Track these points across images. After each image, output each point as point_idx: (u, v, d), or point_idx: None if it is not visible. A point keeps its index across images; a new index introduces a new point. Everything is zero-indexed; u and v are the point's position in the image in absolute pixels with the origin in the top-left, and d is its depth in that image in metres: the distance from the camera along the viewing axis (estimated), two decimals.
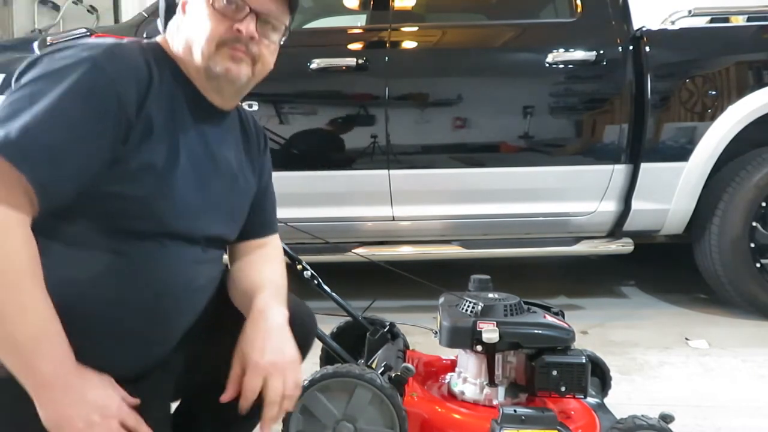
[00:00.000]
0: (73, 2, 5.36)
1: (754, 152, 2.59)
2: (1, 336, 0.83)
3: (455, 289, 1.46)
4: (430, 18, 2.97)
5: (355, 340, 1.57)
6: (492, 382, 1.34)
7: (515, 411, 1.20)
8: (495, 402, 1.32)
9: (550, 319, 1.34)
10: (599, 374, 1.53)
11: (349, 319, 1.59)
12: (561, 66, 2.53)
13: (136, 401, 0.94)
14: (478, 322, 1.29)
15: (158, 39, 1.11)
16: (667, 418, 1.20)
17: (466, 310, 1.34)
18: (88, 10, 5.35)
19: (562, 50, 2.53)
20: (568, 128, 2.60)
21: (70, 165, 0.89)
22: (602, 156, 2.57)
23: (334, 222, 2.61)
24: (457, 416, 1.29)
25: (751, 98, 2.49)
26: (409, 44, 2.72)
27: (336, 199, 2.60)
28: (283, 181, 2.53)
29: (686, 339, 2.38)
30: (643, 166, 2.54)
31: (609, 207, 2.61)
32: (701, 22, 2.77)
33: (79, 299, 0.91)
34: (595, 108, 2.59)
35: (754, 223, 2.55)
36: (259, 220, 1.23)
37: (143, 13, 2.68)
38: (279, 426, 1.24)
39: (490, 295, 1.38)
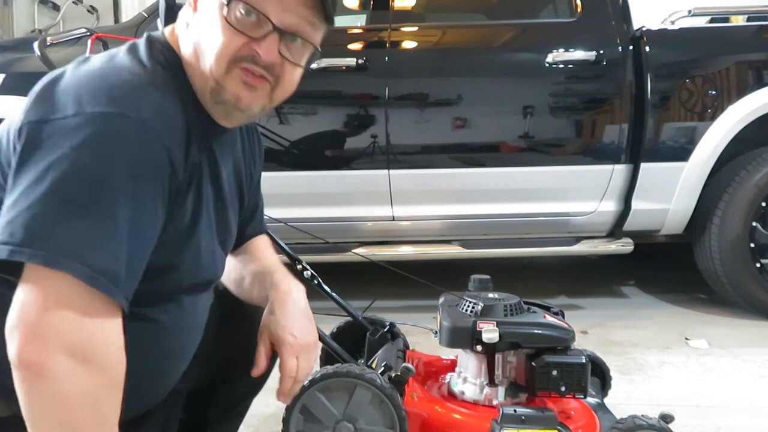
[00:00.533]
0: (73, 2, 5.36)
1: (754, 152, 2.58)
2: None
3: (455, 289, 1.46)
4: (430, 18, 2.97)
5: (355, 340, 1.57)
6: (492, 382, 1.34)
7: (515, 411, 1.20)
8: (495, 402, 1.32)
9: (550, 319, 1.34)
10: (599, 374, 1.53)
11: (349, 319, 1.59)
12: (561, 66, 2.53)
13: None
14: (478, 322, 1.29)
15: (166, 32, 0.96)
16: (667, 418, 1.20)
17: (466, 310, 1.34)
18: (88, 10, 5.35)
19: (562, 50, 2.53)
20: (568, 128, 2.60)
21: (143, 262, 0.80)
22: (602, 156, 2.57)
23: (334, 222, 2.61)
24: (457, 416, 1.29)
25: (751, 98, 2.49)
26: (409, 44, 2.72)
27: (336, 199, 2.60)
28: (283, 181, 2.58)
29: (686, 339, 2.38)
30: (643, 166, 2.54)
31: (609, 207, 2.61)
32: (701, 22, 2.77)
33: None
34: (595, 108, 2.59)
35: (754, 223, 2.55)
36: (252, 226, 1.22)
37: (143, 13, 2.69)
38: (279, 426, 1.24)
39: (490, 295, 1.38)
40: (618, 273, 3.53)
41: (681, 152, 2.53)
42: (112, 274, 0.75)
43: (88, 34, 2.29)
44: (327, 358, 1.56)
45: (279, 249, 1.47)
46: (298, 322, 1.04)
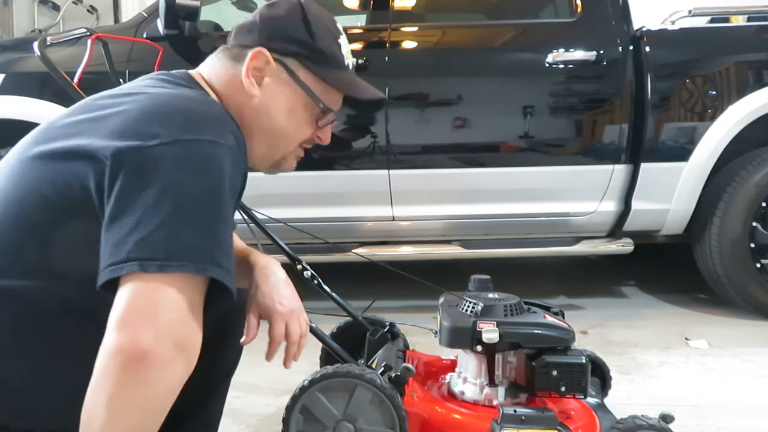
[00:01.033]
0: (73, 2, 5.36)
1: (754, 152, 2.58)
2: None
3: (455, 289, 1.46)
4: (430, 18, 2.97)
5: (355, 340, 1.57)
6: (492, 382, 1.34)
7: (515, 411, 1.20)
8: (495, 402, 1.32)
9: (550, 319, 1.34)
10: (599, 374, 1.53)
11: (349, 319, 1.59)
12: (561, 66, 2.53)
13: None
14: (478, 322, 1.29)
15: (206, 75, 1.07)
16: (667, 418, 1.20)
17: (466, 310, 1.34)
18: (88, 10, 5.36)
19: (562, 50, 2.53)
20: (568, 128, 2.60)
21: None
22: (602, 156, 2.57)
23: (334, 222, 2.61)
24: (457, 416, 1.29)
25: (751, 98, 2.49)
26: (409, 44, 2.72)
27: (336, 199, 2.60)
28: (283, 181, 2.57)
29: (686, 339, 2.38)
30: (643, 166, 2.54)
31: (609, 207, 2.61)
32: (701, 22, 2.77)
33: None
34: (595, 108, 2.59)
35: (754, 223, 2.55)
36: None
37: (143, 13, 2.68)
38: (279, 426, 1.24)
39: (490, 295, 1.38)
40: (618, 273, 3.53)
41: (681, 152, 2.53)
42: (232, 272, 0.86)
43: (88, 34, 2.29)
44: (327, 358, 1.56)
45: (279, 249, 1.47)
46: (283, 291, 1.12)
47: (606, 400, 1.44)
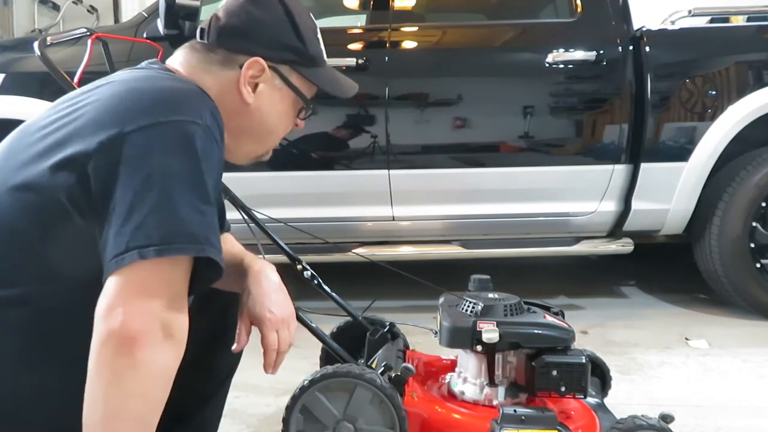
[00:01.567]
0: (73, 2, 5.36)
1: (754, 152, 2.58)
2: None
3: (455, 289, 1.46)
4: (430, 18, 2.97)
5: (355, 340, 1.57)
6: (492, 382, 1.34)
7: (515, 411, 1.20)
8: (495, 402, 1.32)
9: (550, 319, 1.34)
10: (599, 374, 1.53)
11: (349, 319, 1.59)
12: (561, 66, 2.53)
13: None
14: (478, 322, 1.29)
15: (181, 69, 1.04)
16: (667, 418, 1.20)
17: (466, 310, 1.34)
18: (88, 10, 5.36)
19: (562, 50, 2.53)
20: (568, 128, 2.60)
21: None
22: (602, 156, 2.57)
23: (334, 222, 2.61)
24: (457, 416, 1.29)
25: (751, 98, 2.49)
26: (409, 44, 2.72)
27: (336, 199, 2.60)
28: (283, 181, 2.57)
29: (686, 339, 2.38)
30: (643, 166, 2.54)
31: (609, 207, 2.61)
32: (701, 22, 2.77)
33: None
34: (595, 108, 2.59)
35: (754, 223, 2.55)
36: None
37: (143, 13, 2.68)
38: (279, 426, 1.24)
39: (490, 295, 1.38)
40: (618, 273, 3.53)
41: (681, 152, 2.53)
42: (219, 248, 0.86)
43: (88, 34, 2.28)
44: (327, 358, 1.56)
45: (279, 249, 1.47)
46: (274, 298, 1.11)
47: (606, 400, 1.44)
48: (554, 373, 1.26)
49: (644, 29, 2.56)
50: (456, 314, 1.35)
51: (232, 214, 1.36)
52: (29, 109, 2.45)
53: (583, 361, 1.27)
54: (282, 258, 1.46)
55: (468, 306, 1.35)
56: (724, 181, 2.57)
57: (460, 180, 2.60)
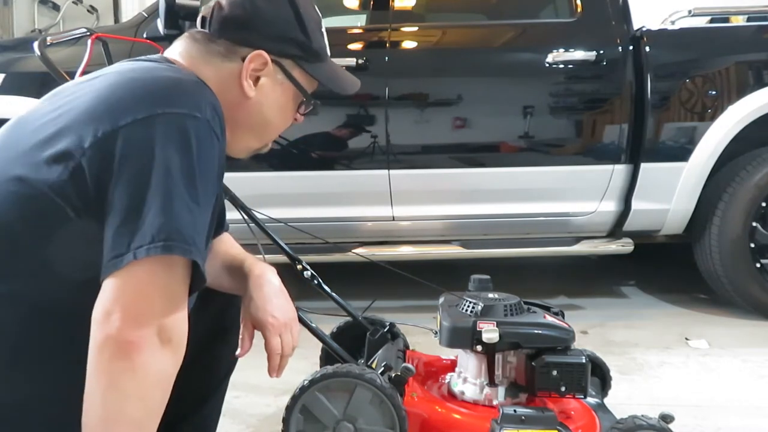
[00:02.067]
0: (73, 2, 5.36)
1: (754, 152, 2.58)
2: None
3: (455, 289, 1.46)
4: (430, 18, 2.97)
5: (355, 340, 1.57)
6: (492, 382, 1.34)
7: (515, 411, 1.20)
8: (495, 402, 1.32)
9: (550, 319, 1.34)
10: (599, 374, 1.53)
11: (349, 319, 1.59)
12: (561, 66, 2.53)
13: None
14: (478, 322, 1.29)
15: (181, 59, 1.00)
16: (667, 418, 1.20)
17: (466, 310, 1.34)
18: (88, 10, 5.36)
19: (562, 50, 2.53)
20: (568, 128, 2.60)
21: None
22: (602, 156, 2.57)
23: (334, 222, 2.61)
24: (457, 416, 1.29)
25: (751, 98, 2.49)
26: (409, 44, 2.72)
27: (336, 199, 2.60)
28: (283, 181, 2.57)
29: (686, 339, 2.38)
30: (643, 166, 2.54)
31: (609, 207, 2.61)
32: (701, 22, 2.77)
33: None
34: (595, 108, 2.59)
35: (754, 223, 2.55)
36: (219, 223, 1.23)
37: (143, 13, 2.68)
38: (279, 426, 1.24)
39: (490, 295, 1.38)
40: (618, 273, 3.53)
41: (681, 152, 2.53)
42: (204, 253, 0.85)
43: (88, 34, 2.28)
44: (327, 358, 1.56)
45: (279, 249, 1.47)
46: (276, 302, 1.11)
47: (606, 400, 1.44)
48: (554, 373, 1.26)
49: (644, 29, 2.55)
50: (456, 314, 1.35)
51: (232, 214, 1.36)
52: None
53: (583, 361, 1.27)
54: (282, 258, 1.46)
55: (468, 306, 1.35)
56: (724, 181, 2.57)
57: (460, 180, 2.60)
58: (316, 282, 1.47)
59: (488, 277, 1.47)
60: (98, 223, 0.82)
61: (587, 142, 2.59)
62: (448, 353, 1.50)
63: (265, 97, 1.03)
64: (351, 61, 2.51)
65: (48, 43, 2.18)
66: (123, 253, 0.78)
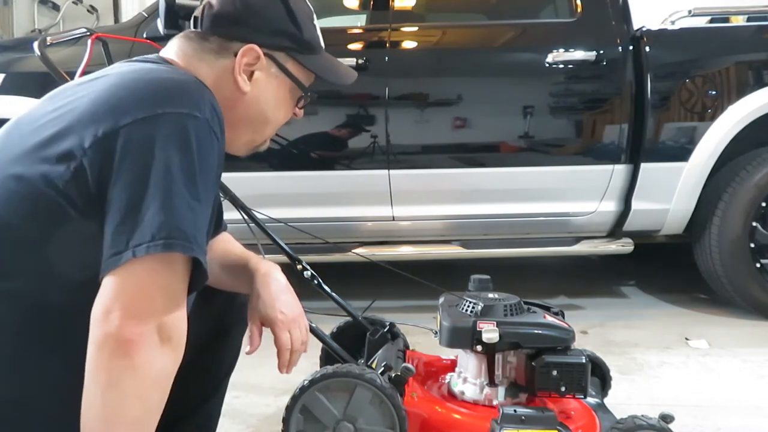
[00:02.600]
0: (73, 2, 5.36)
1: (754, 152, 2.58)
2: None
3: (455, 289, 1.46)
4: (430, 18, 2.97)
5: (355, 340, 1.57)
6: (492, 382, 1.34)
7: (515, 411, 1.20)
8: (495, 402, 1.32)
9: (550, 319, 1.34)
10: (599, 374, 1.53)
11: (349, 319, 1.59)
12: (561, 66, 2.53)
13: None
14: (478, 322, 1.29)
15: (177, 59, 1.01)
16: (667, 418, 1.20)
17: (466, 310, 1.34)
18: (88, 10, 5.35)
19: (562, 50, 2.53)
20: (568, 128, 2.60)
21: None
22: (602, 156, 2.57)
23: (334, 222, 2.61)
24: (457, 416, 1.29)
25: (751, 98, 2.49)
26: (409, 44, 2.72)
27: (336, 199, 2.60)
28: (283, 181, 2.57)
29: (686, 339, 2.38)
30: (643, 166, 2.54)
31: (609, 207, 2.61)
32: (701, 22, 2.77)
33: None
34: (595, 108, 2.59)
35: (754, 223, 2.55)
36: (217, 222, 1.23)
37: (143, 13, 2.68)
38: (279, 426, 1.24)
39: (490, 295, 1.38)
40: (618, 273, 3.53)
41: (681, 152, 2.53)
42: (205, 250, 0.85)
43: (88, 34, 2.28)
44: (327, 358, 1.56)
45: (279, 249, 1.47)
46: (284, 299, 1.13)
47: (606, 400, 1.44)
48: (554, 373, 1.26)
49: (644, 29, 2.56)
50: (456, 314, 1.35)
51: (232, 214, 1.36)
52: None
53: (583, 361, 1.27)
54: (282, 258, 1.46)
55: (468, 306, 1.35)
56: (724, 181, 2.57)
57: (460, 180, 2.60)
58: (316, 282, 1.47)
59: (488, 277, 1.47)
60: (99, 223, 0.82)
61: (587, 142, 2.59)
62: (448, 353, 1.50)
63: (261, 91, 1.03)
64: (351, 61, 2.51)
65: (48, 43, 2.18)
66: (122, 250, 0.78)
